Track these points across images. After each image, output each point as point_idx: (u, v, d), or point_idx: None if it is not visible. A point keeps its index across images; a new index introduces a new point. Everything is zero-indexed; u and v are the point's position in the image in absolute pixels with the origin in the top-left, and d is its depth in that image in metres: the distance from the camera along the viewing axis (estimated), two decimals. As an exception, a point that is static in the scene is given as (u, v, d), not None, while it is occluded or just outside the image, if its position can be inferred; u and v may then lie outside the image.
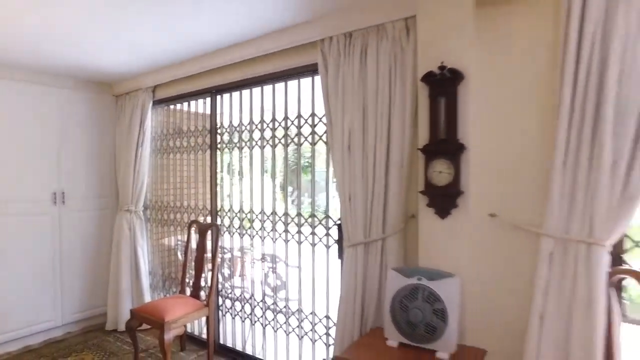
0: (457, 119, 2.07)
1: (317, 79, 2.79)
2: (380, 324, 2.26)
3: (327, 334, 2.94)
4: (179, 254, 4.30)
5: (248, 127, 3.39)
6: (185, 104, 3.94)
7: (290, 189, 5.60)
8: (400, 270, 2.06)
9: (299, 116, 3.03)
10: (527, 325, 1.92)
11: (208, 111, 3.69)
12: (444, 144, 2.09)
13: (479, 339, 2.05)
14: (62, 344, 3.80)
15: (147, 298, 4.11)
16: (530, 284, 1.92)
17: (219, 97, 3.56)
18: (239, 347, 3.54)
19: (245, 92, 3.37)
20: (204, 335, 3.76)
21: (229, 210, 3.56)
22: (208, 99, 3.65)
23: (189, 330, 3.82)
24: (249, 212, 3.41)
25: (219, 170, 3.67)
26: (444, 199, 2.11)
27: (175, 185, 4.14)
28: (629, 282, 1.88)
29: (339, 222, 2.74)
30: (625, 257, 1.92)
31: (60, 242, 3.95)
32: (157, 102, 4.04)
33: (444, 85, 2.07)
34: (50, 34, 2.86)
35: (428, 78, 2.11)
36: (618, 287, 1.85)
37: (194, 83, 3.57)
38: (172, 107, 4.09)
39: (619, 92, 1.69)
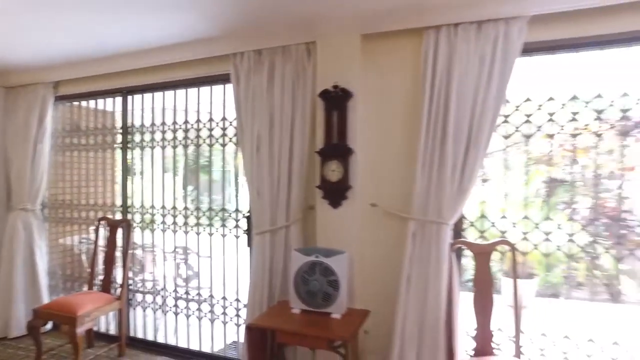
0: (346, 128, 2.60)
1: (229, 87, 3.12)
2: (285, 297, 2.69)
3: (238, 315, 3.30)
4: (82, 253, 4.25)
5: (160, 128, 3.57)
6: (93, 102, 3.94)
7: (190, 187, 5.77)
8: (301, 250, 2.52)
9: (211, 119, 3.33)
10: (398, 289, 2.52)
11: (119, 110, 3.77)
12: (336, 148, 2.60)
13: (364, 302, 2.60)
14: None
15: (45, 300, 4.00)
16: (401, 256, 2.52)
17: (130, 97, 3.66)
18: (150, 338, 3.69)
19: (159, 95, 3.54)
20: (112, 332, 3.83)
21: (140, 207, 3.69)
22: (119, 99, 3.72)
23: (94, 328, 3.84)
24: (161, 207, 3.59)
25: (129, 168, 3.77)
26: (336, 193, 2.63)
27: (80, 183, 4.09)
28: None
29: (247, 214, 3.12)
30: (463, 233, 2.62)
31: None
32: (61, 98, 3.96)
33: (336, 101, 2.58)
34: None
35: (324, 95, 2.60)
36: (457, 253, 2.54)
37: (105, 82, 3.61)
38: (78, 104, 4.04)
39: (456, 114, 2.35)
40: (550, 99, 2.50)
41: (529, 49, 2.38)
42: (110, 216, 3.79)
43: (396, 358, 2.49)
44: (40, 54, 3.43)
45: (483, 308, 2.42)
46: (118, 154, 4.02)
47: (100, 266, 3.71)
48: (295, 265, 2.48)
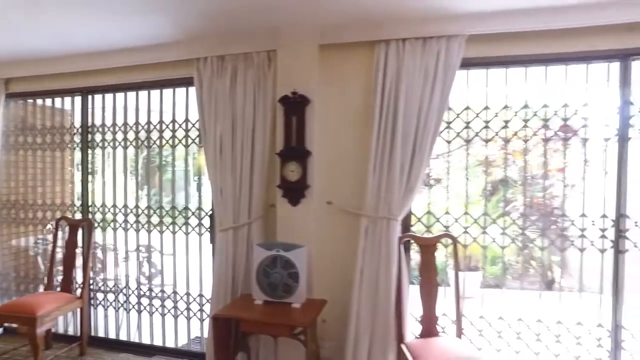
0: (304, 132, 2.80)
1: (192, 89, 3.23)
2: (248, 290, 2.85)
3: (201, 310, 3.42)
4: (38, 254, 4.19)
5: (122, 128, 3.61)
6: (49, 100, 3.90)
7: (153, 187, 5.78)
8: (263, 245, 2.70)
9: (174, 121, 3.42)
10: (353, 279, 2.75)
11: (77, 109, 3.76)
12: (295, 150, 2.79)
13: (321, 292, 2.81)
14: None
15: (-3, 303, 3.92)
16: (354, 250, 2.76)
17: (90, 97, 3.67)
18: (112, 336, 3.73)
19: (120, 95, 3.58)
20: (70, 332, 3.83)
21: (101, 206, 3.71)
22: (78, 98, 3.71)
23: (52, 329, 3.82)
24: (123, 207, 3.63)
25: (89, 167, 3.77)
26: (295, 192, 2.82)
27: (35, 183, 4.03)
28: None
29: (210, 212, 3.25)
30: (412, 227, 2.90)
31: None
32: (13, 96, 3.89)
33: (295, 106, 2.77)
34: None
35: (284, 100, 2.78)
36: (405, 246, 2.81)
37: (64, 81, 3.59)
38: (32, 101, 3.98)
39: (403, 121, 2.62)
40: (486, 107, 2.82)
41: (467, 64, 2.69)
42: (68, 216, 3.78)
43: (351, 343, 2.73)
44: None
45: (428, 295, 2.69)
46: (75, 153, 4.00)
47: (58, 267, 3.69)
48: (258, 259, 2.66)
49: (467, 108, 2.85)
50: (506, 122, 2.81)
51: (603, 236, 2.67)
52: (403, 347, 2.57)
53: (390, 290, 2.68)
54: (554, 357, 2.76)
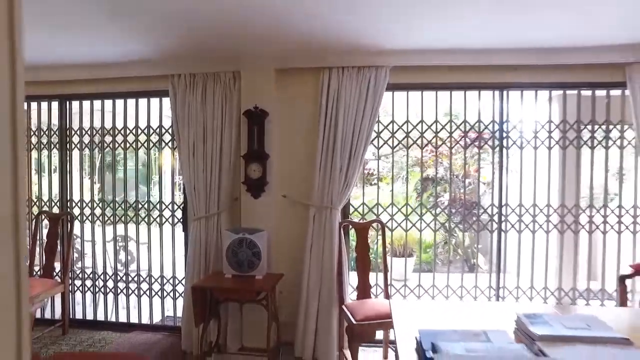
0: (264, 139, 3.46)
1: (165, 100, 3.79)
2: (218, 268, 3.47)
3: (174, 290, 3.98)
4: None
5: (100, 132, 4.07)
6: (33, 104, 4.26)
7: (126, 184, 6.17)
8: (231, 230, 3.34)
9: (148, 127, 3.95)
10: (304, 256, 3.46)
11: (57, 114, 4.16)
12: (257, 153, 3.45)
13: (279, 267, 3.50)
14: None
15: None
16: (305, 233, 3.46)
17: (67, 102, 4.10)
18: (89, 317, 4.18)
19: (98, 102, 4.05)
20: (47, 316, 4.24)
21: (78, 201, 4.15)
22: (56, 103, 4.12)
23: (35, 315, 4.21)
24: (100, 201, 4.10)
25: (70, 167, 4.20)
26: (257, 187, 3.48)
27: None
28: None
29: (182, 205, 3.83)
30: (351, 215, 3.66)
31: None
32: None
33: (257, 118, 3.43)
34: None
35: (247, 113, 3.43)
36: (344, 230, 3.56)
37: (44, 88, 3.98)
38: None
39: (342, 131, 3.35)
40: (407, 121, 3.63)
41: (392, 88, 3.47)
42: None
43: (303, 307, 3.43)
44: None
45: (363, 267, 3.46)
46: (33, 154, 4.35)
47: (40, 256, 4.10)
48: (227, 242, 3.29)
49: (392, 122, 3.65)
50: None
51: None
52: (344, 307, 3.31)
53: (333, 264, 3.41)
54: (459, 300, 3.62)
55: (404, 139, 3.70)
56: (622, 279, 3.02)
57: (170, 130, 3.87)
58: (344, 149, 3.38)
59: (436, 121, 3.61)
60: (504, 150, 3.57)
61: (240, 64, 3.51)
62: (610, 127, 3.50)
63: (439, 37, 3.10)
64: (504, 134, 3.56)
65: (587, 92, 3.54)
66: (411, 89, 3.59)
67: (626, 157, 3.64)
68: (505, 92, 3.52)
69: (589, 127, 3.53)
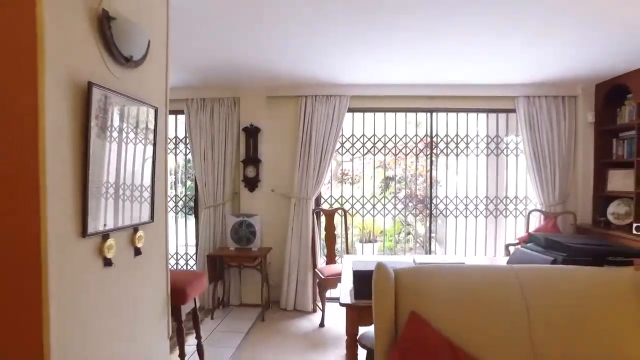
0: (257, 148, 4.69)
1: (180, 117, 4.96)
2: (223, 245, 4.68)
3: (187, 264, 5.17)
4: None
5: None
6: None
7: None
8: (234, 214, 4.56)
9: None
10: (287, 234, 4.70)
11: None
12: (252, 159, 4.68)
13: (269, 242, 4.74)
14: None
15: None
16: (288, 217, 4.71)
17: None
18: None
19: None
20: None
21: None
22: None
23: None
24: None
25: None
26: (252, 183, 4.71)
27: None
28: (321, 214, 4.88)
29: (193, 197, 5.03)
30: (322, 205, 4.93)
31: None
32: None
33: (252, 133, 4.65)
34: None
35: (245, 129, 4.65)
36: (317, 215, 4.82)
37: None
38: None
39: (314, 142, 4.61)
40: (363, 135, 4.92)
41: (352, 110, 4.75)
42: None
43: (287, 273, 4.68)
44: None
45: (330, 242, 4.72)
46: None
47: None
48: (230, 223, 4.51)
49: (352, 135, 4.93)
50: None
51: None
52: (316, 270, 4.56)
53: (308, 240, 4.67)
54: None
55: (360, 148, 4.98)
56: (507, 246, 4.41)
57: (184, 140, 5.05)
58: (316, 155, 4.63)
59: (384, 135, 4.92)
60: (434, 157, 4.91)
61: (240, 92, 4.73)
62: (509, 140, 4.88)
63: (383, 76, 4.38)
64: (433, 145, 4.89)
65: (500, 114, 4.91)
66: (366, 112, 4.88)
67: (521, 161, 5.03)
68: (434, 114, 4.85)
69: (495, 140, 4.89)
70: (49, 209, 1.32)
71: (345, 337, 2.44)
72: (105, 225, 1.62)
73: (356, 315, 2.30)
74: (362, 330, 2.54)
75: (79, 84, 1.46)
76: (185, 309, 2.40)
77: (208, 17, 2.79)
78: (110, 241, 1.65)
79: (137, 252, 1.89)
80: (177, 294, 2.26)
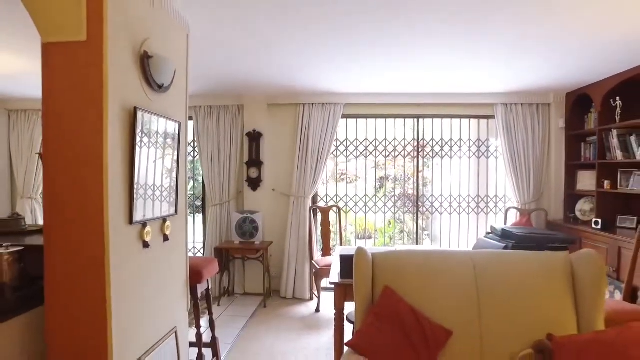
0: (260, 152, 5.16)
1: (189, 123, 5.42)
2: (229, 239, 5.16)
3: (194, 255, 5.64)
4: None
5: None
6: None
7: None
8: (239, 212, 5.04)
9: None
10: (286, 229, 5.18)
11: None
12: (255, 161, 5.15)
13: (270, 237, 5.22)
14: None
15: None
16: (287, 214, 5.18)
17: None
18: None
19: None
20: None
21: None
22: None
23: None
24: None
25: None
26: (255, 183, 5.18)
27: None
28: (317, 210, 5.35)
29: (201, 196, 5.50)
30: (318, 202, 5.40)
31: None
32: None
33: (255, 137, 5.13)
34: None
35: (249, 134, 5.13)
36: (313, 212, 5.30)
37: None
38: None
39: (311, 146, 5.08)
40: (347, 139, 5.39)
41: (346, 116, 5.22)
42: None
43: (286, 262, 5.15)
44: None
45: (325, 236, 5.19)
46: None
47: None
48: (235, 219, 4.99)
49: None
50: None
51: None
52: (313, 261, 5.03)
53: (305, 234, 5.14)
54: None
55: (353, 151, 5.45)
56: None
57: (192, 144, 5.52)
58: (313, 157, 5.11)
59: (375, 139, 5.40)
60: (420, 159, 5.38)
61: (243, 100, 5.20)
62: (489, 143, 5.35)
63: (374, 86, 4.85)
64: (420, 147, 5.36)
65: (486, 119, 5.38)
66: (359, 118, 5.36)
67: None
68: (420, 120, 5.32)
69: (476, 144, 5.36)
70: (110, 203, 1.79)
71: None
72: (144, 216, 2.09)
73: (342, 291, 2.77)
74: (348, 307, 3.01)
75: (128, 109, 1.93)
76: (200, 288, 2.87)
77: (218, 41, 3.27)
78: (148, 228, 2.12)
79: (166, 238, 2.36)
80: (194, 274, 2.73)
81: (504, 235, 2.90)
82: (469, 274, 2.38)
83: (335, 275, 2.91)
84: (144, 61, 2.03)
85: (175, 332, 2.48)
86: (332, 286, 2.90)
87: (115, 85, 1.82)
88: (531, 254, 2.53)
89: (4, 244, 1.97)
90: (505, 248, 2.76)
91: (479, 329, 2.26)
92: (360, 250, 2.39)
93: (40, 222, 5.75)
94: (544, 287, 2.35)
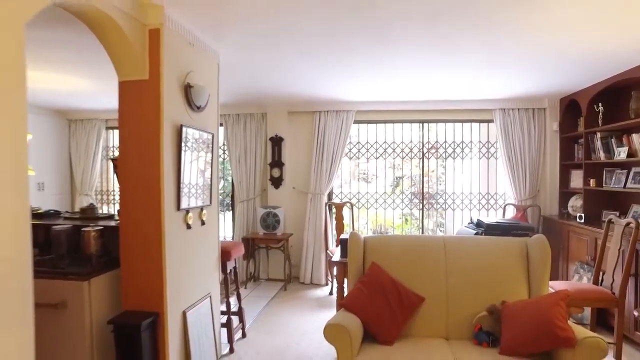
0: (281, 154, 5.86)
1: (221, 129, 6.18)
2: (254, 230, 5.88)
3: (225, 246, 6.40)
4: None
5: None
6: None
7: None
8: (263, 207, 5.75)
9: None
10: (305, 223, 5.85)
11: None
12: (277, 162, 5.85)
13: (290, 229, 5.91)
14: None
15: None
16: (305, 209, 5.85)
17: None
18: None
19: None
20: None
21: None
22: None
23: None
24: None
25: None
26: (277, 182, 5.88)
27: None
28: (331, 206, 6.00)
29: (230, 193, 6.24)
30: (333, 198, 6.05)
31: None
32: (108, 129, 6.68)
33: (277, 141, 5.83)
34: None
35: (271, 139, 5.83)
36: (329, 207, 5.94)
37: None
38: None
39: (327, 149, 5.73)
40: (367, 142, 5.99)
41: (357, 121, 5.84)
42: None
43: (304, 252, 5.82)
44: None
45: (339, 229, 5.82)
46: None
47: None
48: (260, 213, 5.70)
49: (358, 142, 6.02)
50: (376, 149, 5.99)
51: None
52: (328, 251, 5.67)
53: (321, 227, 5.79)
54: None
55: (365, 152, 6.06)
56: (482, 233, 5.31)
57: (222, 148, 6.28)
58: (328, 159, 5.75)
59: (385, 141, 5.99)
60: (425, 160, 5.93)
61: (267, 108, 5.91)
62: (497, 146, 5.84)
63: (383, 95, 5.44)
64: (425, 149, 5.91)
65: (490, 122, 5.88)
66: (370, 123, 5.97)
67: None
68: (426, 125, 5.88)
69: (478, 145, 5.85)
70: (165, 195, 2.50)
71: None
72: (188, 204, 2.80)
73: (343, 267, 3.41)
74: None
75: (176, 126, 2.64)
76: (229, 266, 3.56)
77: (246, 63, 3.97)
78: (190, 214, 2.82)
79: (203, 223, 3.06)
80: (224, 253, 3.43)
81: (478, 224, 3.45)
82: (440, 254, 2.98)
83: (337, 256, 3.55)
84: (187, 90, 2.74)
85: (210, 297, 3.19)
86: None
87: (168, 109, 2.53)
88: (495, 239, 3.09)
89: (90, 225, 2.72)
90: (477, 234, 3.31)
91: (446, 296, 2.85)
92: (353, 234, 3.02)
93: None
94: (502, 264, 2.92)
